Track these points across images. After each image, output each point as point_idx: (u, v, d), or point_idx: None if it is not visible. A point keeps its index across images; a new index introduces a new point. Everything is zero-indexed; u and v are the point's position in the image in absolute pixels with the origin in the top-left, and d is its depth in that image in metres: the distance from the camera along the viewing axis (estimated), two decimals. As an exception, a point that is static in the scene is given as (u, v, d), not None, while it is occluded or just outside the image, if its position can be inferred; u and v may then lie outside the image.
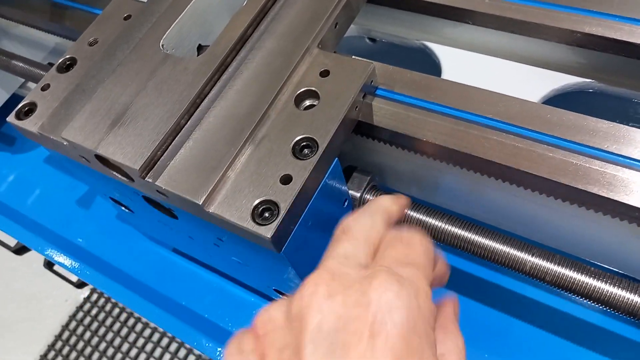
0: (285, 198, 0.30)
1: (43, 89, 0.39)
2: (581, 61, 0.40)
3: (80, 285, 1.30)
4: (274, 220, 0.30)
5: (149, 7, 0.40)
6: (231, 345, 0.24)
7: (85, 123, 0.34)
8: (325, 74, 0.34)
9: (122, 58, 0.37)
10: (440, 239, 0.38)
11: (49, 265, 1.09)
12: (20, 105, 0.39)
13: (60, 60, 0.40)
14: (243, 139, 0.32)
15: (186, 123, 0.34)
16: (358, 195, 0.40)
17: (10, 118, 0.38)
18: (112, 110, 0.34)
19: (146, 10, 0.40)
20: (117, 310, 1.47)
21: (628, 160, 0.31)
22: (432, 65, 0.50)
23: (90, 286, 1.45)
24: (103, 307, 1.49)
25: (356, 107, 0.34)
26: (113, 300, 1.50)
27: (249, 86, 0.34)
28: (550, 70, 0.42)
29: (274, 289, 0.43)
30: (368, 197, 0.40)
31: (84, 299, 1.53)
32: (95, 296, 1.52)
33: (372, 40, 0.51)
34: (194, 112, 0.34)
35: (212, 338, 0.49)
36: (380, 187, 0.41)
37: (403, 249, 0.26)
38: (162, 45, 0.36)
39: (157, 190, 0.32)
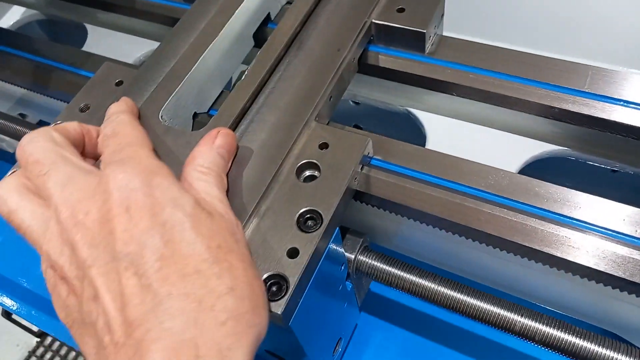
0: (293, 272, 0.31)
1: None
2: (557, 131, 0.43)
3: (40, 335, 1.23)
4: (283, 296, 0.30)
5: (142, 74, 0.40)
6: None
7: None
8: (324, 146, 0.36)
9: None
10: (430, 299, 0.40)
11: (7, 314, 1.03)
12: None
13: (52, 125, 0.39)
14: (249, 212, 0.33)
15: (190, 196, 0.34)
16: (352, 257, 0.41)
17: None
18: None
19: (139, 77, 0.40)
20: (72, 355, 1.40)
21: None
22: (415, 131, 0.52)
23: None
24: (58, 351, 1.42)
25: (355, 178, 0.36)
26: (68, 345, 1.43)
27: (251, 159, 0.35)
28: (529, 138, 0.45)
29: (266, 350, 0.44)
30: (361, 258, 0.41)
31: (37, 342, 1.45)
32: (49, 339, 1.44)
33: (356, 103, 0.53)
34: (198, 184, 0.34)
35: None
36: (372, 247, 0.43)
37: (113, 141, 0.32)
38: (161, 117, 0.37)
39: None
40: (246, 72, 0.39)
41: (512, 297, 0.43)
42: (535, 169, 0.48)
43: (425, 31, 0.41)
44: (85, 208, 0.28)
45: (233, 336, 0.26)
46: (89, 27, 0.67)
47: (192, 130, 0.40)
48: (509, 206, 0.35)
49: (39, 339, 1.40)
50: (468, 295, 0.39)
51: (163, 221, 0.27)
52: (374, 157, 0.38)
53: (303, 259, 0.31)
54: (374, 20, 0.42)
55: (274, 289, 0.31)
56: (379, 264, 0.41)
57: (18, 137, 0.52)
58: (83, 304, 0.27)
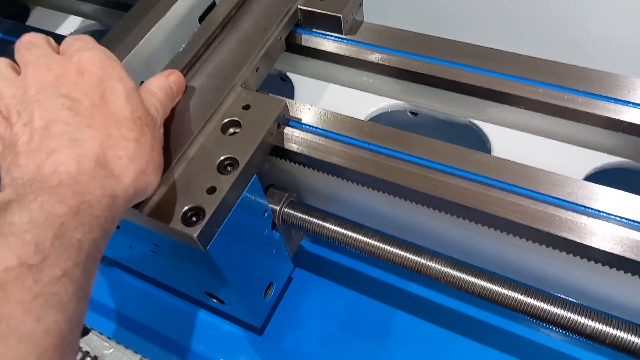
0: (210, 205, 0.37)
1: None
2: (620, 143, 0.45)
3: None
4: (200, 222, 0.37)
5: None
6: None
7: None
8: (246, 107, 0.43)
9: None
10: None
11: None
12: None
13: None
14: (177, 156, 0.40)
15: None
16: (277, 208, 0.47)
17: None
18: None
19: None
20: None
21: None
22: (479, 142, 0.52)
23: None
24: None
25: (271, 134, 0.42)
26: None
27: (183, 117, 0.42)
28: (590, 149, 0.47)
29: (205, 292, 0.50)
30: (287, 210, 0.48)
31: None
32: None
33: (414, 113, 0.55)
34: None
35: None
36: (298, 202, 0.49)
37: (80, 42, 0.38)
38: (110, 81, 0.43)
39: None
40: (184, 45, 0.45)
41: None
42: (599, 179, 0.44)
43: (341, 15, 0.48)
44: (48, 65, 0.35)
45: (125, 169, 0.33)
46: None
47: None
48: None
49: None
50: (393, 246, 0.43)
51: (106, 86, 0.35)
52: (292, 118, 0.45)
53: (220, 194, 0.38)
54: (299, 6, 0.49)
55: (193, 219, 0.37)
56: (303, 215, 0.47)
57: None
58: (14, 128, 0.33)
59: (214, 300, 0.50)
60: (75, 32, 0.72)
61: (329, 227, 0.46)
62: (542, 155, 0.46)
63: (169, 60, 0.49)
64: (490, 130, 0.49)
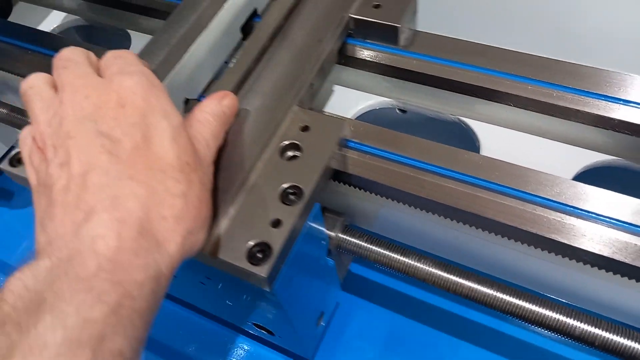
0: (277, 240, 0.34)
1: None
2: (610, 140, 0.44)
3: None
4: (267, 261, 0.33)
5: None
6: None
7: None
8: (305, 129, 0.39)
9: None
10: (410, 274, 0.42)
11: None
12: (13, 153, 0.40)
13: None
14: (236, 186, 0.36)
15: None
16: (333, 234, 0.44)
17: (4, 165, 0.40)
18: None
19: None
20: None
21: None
22: (468, 140, 0.51)
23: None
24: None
25: (333, 157, 0.39)
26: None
27: (237, 140, 0.38)
28: (581, 147, 0.46)
29: (254, 324, 0.46)
30: (342, 235, 0.44)
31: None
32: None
33: (402, 111, 0.53)
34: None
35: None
36: (351, 227, 0.46)
37: (121, 60, 0.34)
38: (156, 101, 0.40)
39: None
40: (234, 60, 0.42)
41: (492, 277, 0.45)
42: (588, 177, 0.45)
43: (399, 26, 0.44)
44: (86, 92, 0.31)
45: (171, 232, 0.29)
46: (132, 33, 0.66)
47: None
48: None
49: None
50: (446, 271, 0.41)
51: (149, 123, 0.31)
52: (351, 139, 0.41)
53: (286, 228, 0.34)
54: (351, 15, 0.45)
55: (259, 255, 0.34)
56: (358, 241, 0.44)
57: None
58: (50, 168, 0.29)
59: (262, 330, 0.47)
60: (59, 28, 0.71)
61: (388, 255, 0.43)
62: (531, 154, 0.46)
63: (212, 73, 0.46)
64: (479, 128, 0.49)
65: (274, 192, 0.36)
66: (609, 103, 0.41)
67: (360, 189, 0.42)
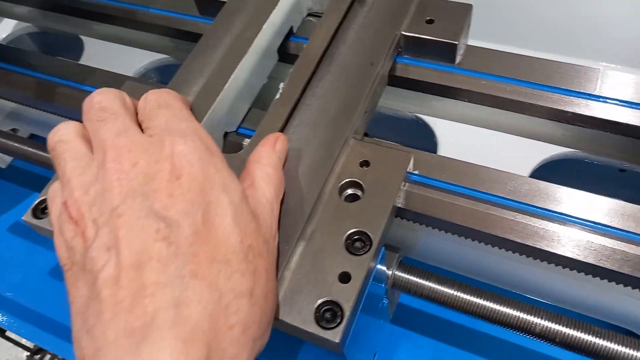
0: (347, 298, 0.30)
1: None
2: (567, 134, 0.44)
3: (36, 351, 1.20)
4: (340, 323, 0.29)
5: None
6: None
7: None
8: (365, 164, 0.35)
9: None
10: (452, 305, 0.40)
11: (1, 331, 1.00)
12: (36, 202, 0.36)
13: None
14: (296, 235, 0.32)
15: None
16: (390, 272, 0.40)
17: (27, 217, 0.36)
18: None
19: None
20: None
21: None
22: (426, 136, 0.52)
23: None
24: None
25: (399, 196, 0.35)
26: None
27: (293, 180, 0.34)
28: (539, 141, 0.45)
29: (304, 369, 0.43)
30: (398, 273, 0.41)
31: (27, 357, 1.40)
32: (39, 355, 1.40)
33: None
34: (240, 209, 0.33)
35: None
36: (406, 261, 0.42)
37: (167, 112, 0.30)
38: (197, 139, 0.36)
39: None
40: (280, 90, 0.38)
41: (540, 303, 0.43)
42: (547, 170, 0.48)
43: (457, 43, 0.40)
44: (134, 159, 0.27)
45: (237, 345, 0.25)
46: (85, 39, 0.65)
47: (222, 151, 0.39)
48: (531, 212, 0.35)
49: (28, 354, 1.37)
50: (494, 302, 0.39)
51: (209, 200, 0.26)
52: (413, 172, 0.38)
53: (356, 284, 0.31)
54: (403, 32, 0.41)
55: (327, 315, 0.30)
56: (414, 278, 0.41)
57: (8, 151, 0.50)
58: (92, 249, 0.25)
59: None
60: (11, 36, 0.68)
61: (446, 292, 0.40)
62: (489, 149, 0.46)
63: (250, 101, 0.42)
64: (436, 124, 0.49)
65: (338, 241, 0.32)
66: (563, 96, 0.40)
67: (420, 224, 0.38)
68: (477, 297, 0.40)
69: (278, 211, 0.31)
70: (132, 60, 0.59)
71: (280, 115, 0.36)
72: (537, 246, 0.34)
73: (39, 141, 0.49)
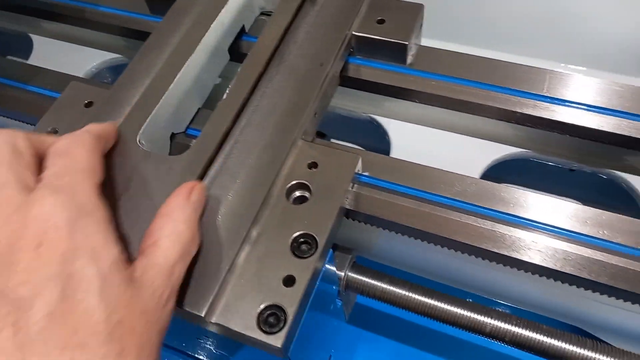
0: (291, 302, 0.30)
1: None
2: (518, 134, 0.44)
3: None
4: (282, 328, 0.29)
5: (114, 94, 0.38)
6: None
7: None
8: (313, 165, 0.35)
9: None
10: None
11: None
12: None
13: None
14: (240, 239, 0.32)
15: (176, 225, 0.32)
16: (342, 274, 0.40)
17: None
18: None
19: (111, 98, 0.38)
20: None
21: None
22: (379, 137, 0.52)
23: None
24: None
25: (347, 197, 0.35)
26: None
27: (239, 183, 0.34)
28: (491, 141, 0.46)
29: (257, 374, 0.42)
30: (351, 274, 0.41)
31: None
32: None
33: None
34: (184, 212, 0.33)
35: None
36: (360, 261, 0.42)
37: (62, 161, 0.27)
38: (139, 141, 0.35)
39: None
40: (227, 91, 0.37)
41: (493, 303, 0.44)
42: (499, 170, 0.49)
43: (407, 43, 0.40)
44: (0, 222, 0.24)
45: None
46: (34, 37, 0.62)
47: (169, 152, 0.38)
48: (477, 213, 0.35)
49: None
50: (445, 302, 0.40)
51: (71, 272, 0.23)
52: (362, 173, 0.37)
53: (300, 287, 0.30)
54: (354, 32, 0.41)
55: (271, 320, 0.30)
56: (368, 279, 0.41)
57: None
58: None
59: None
60: None
61: (399, 293, 0.40)
62: (441, 149, 0.46)
63: (199, 102, 0.41)
64: (389, 125, 0.49)
65: (283, 244, 0.32)
66: (511, 96, 0.40)
67: (370, 225, 0.38)
68: (428, 298, 0.40)
69: (182, 272, 0.28)
70: (84, 59, 0.57)
71: (226, 115, 0.36)
72: (482, 247, 0.34)
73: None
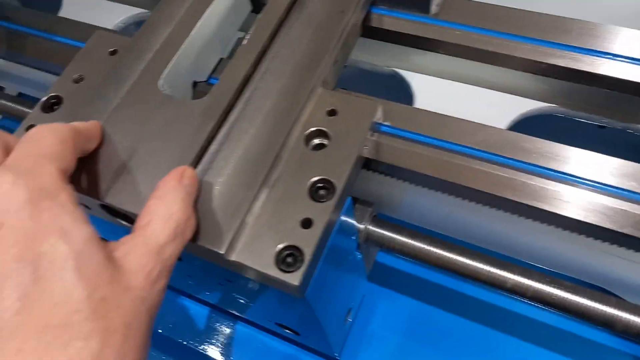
0: (308, 243, 0.30)
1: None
2: (545, 88, 0.43)
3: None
4: (300, 267, 0.29)
5: (137, 42, 0.38)
6: None
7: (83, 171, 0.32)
8: (332, 113, 0.35)
9: (114, 98, 0.35)
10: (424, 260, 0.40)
11: None
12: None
13: (44, 99, 0.37)
14: (259, 182, 0.32)
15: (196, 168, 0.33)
16: (362, 227, 0.40)
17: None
18: (115, 157, 0.32)
19: (134, 46, 0.38)
20: None
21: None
22: (402, 91, 0.51)
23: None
24: None
25: (366, 145, 0.35)
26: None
27: (257, 128, 0.34)
28: (516, 95, 0.45)
29: (277, 323, 0.43)
30: (371, 227, 0.41)
31: None
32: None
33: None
34: (203, 156, 0.33)
35: None
36: (380, 217, 0.42)
37: (27, 146, 0.26)
38: (161, 86, 0.35)
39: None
40: (247, 37, 0.37)
41: (513, 259, 0.43)
42: (524, 127, 0.47)
43: (431, -8, 0.39)
44: None
45: None
46: None
47: (192, 99, 0.39)
48: (498, 162, 0.35)
49: None
50: (466, 257, 0.39)
51: (40, 252, 0.22)
52: (383, 122, 0.37)
53: (317, 229, 0.30)
54: (377, -19, 0.40)
55: (289, 260, 0.30)
56: (388, 233, 0.41)
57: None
58: None
59: (286, 330, 0.44)
60: None
61: (419, 246, 0.40)
62: (465, 103, 0.44)
63: (221, 51, 0.41)
64: (412, 78, 0.48)
65: (301, 188, 0.32)
66: (540, 47, 0.39)
67: (391, 177, 0.38)
68: (447, 251, 0.39)
69: (175, 253, 0.27)
70: (111, 14, 0.58)
71: (245, 62, 0.36)
72: (503, 195, 0.34)
73: (28, 99, 0.49)
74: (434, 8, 0.41)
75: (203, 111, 0.34)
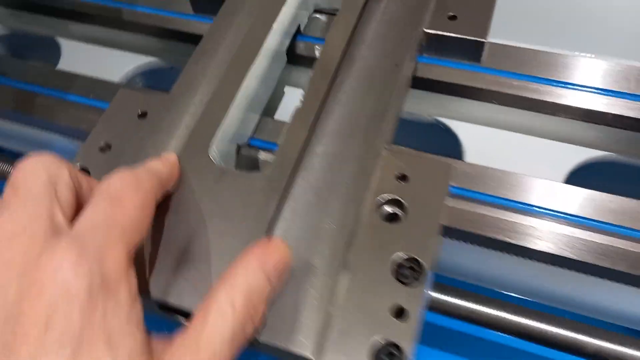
0: (406, 337, 0.26)
1: None
2: (602, 135, 0.41)
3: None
4: (401, 366, 0.25)
5: (170, 103, 0.34)
6: None
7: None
8: (403, 178, 0.31)
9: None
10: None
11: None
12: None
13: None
14: (336, 264, 0.28)
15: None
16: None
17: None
18: (172, 245, 0.28)
19: (168, 107, 0.34)
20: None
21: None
22: (448, 141, 0.48)
23: None
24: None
25: (444, 212, 0.32)
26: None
27: (326, 200, 0.30)
28: (569, 144, 0.43)
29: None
30: (434, 295, 0.37)
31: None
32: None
33: None
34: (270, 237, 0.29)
35: None
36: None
37: (105, 207, 0.23)
38: (212, 156, 0.31)
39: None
40: (302, 98, 0.33)
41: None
42: (581, 175, 0.45)
43: (484, 40, 0.37)
44: (5, 277, 0.20)
45: None
46: (61, 41, 0.57)
47: (235, 166, 0.34)
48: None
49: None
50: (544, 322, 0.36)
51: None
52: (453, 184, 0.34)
53: (413, 320, 0.27)
54: (425, 30, 0.38)
55: (384, 358, 0.26)
56: (453, 300, 0.37)
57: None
58: None
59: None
60: None
61: (490, 313, 0.37)
62: (519, 153, 0.42)
63: (261, 110, 0.37)
64: (457, 128, 0.45)
65: (384, 268, 0.28)
66: (596, 95, 0.37)
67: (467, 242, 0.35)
68: (522, 317, 0.37)
69: (232, 355, 0.23)
70: (115, 64, 0.52)
71: (302, 126, 0.32)
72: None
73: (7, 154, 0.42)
74: (483, 56, 0.39)
75: (265, 185, 0.29)
